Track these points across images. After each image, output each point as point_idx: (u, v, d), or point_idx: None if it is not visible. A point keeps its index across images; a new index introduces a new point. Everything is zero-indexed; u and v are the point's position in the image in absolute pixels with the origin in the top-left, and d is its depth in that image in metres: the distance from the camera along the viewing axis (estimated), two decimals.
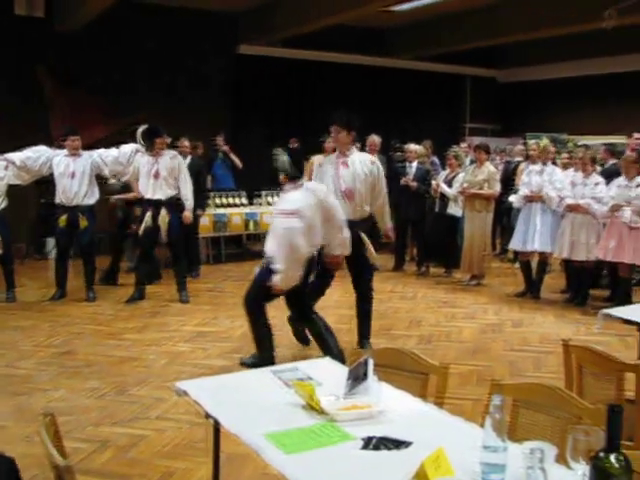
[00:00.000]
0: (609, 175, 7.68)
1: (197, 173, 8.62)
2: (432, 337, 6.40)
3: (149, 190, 7.42)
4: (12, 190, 7.42)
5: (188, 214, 7.60)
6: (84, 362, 5.54)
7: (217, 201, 10.41)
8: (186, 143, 9.05)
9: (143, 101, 11.05)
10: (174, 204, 7.48)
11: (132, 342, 6.13)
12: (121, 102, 11.06)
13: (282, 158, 5.01)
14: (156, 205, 7.41)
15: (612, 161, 8.65)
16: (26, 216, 10.22)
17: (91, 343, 6.10)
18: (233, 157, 10.65)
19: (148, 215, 7.42)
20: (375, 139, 9.47)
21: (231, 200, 10.51)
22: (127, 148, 7.49)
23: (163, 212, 7.39)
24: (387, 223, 5.86)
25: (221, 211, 10.26)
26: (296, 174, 4.96)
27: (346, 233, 5.13)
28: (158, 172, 7.38)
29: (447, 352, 5.89)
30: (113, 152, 7.53)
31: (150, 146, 7.36)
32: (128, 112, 10.81)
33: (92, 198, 7.53)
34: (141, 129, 7.42)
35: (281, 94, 12.96)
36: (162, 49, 11.49)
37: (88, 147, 7.80)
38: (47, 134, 9.82)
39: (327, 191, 5.08)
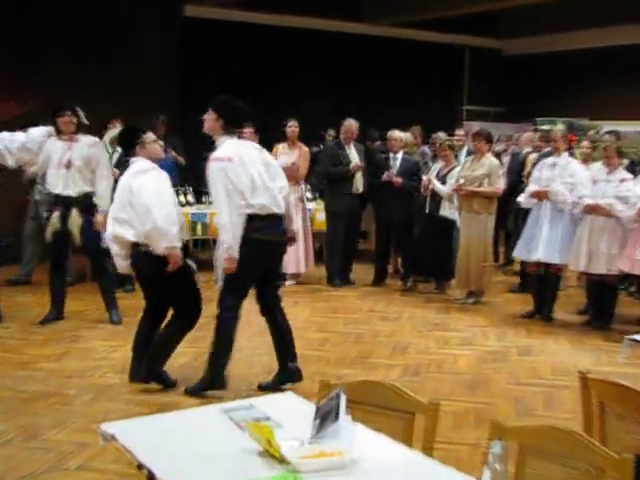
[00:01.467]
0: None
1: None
2: (420, 367, 6.42)
3: (59, 184, 7.34)
4: None
5: (101, 218, 7.26)
6: None
7: None
8: (118, 126, 9.00)
9: (64, 75, 10.92)
10: (90, 203, 7.38)
11: (48, 373, 6.06)
12: (36, 75, 10.93)
13: None
14: (66, 203, 7.34)
15: None
16: None
17: None
18: (175, 154, 10.64)
19: (56, 216, 7.34)
20: (353, 125, 9.56)
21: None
22: (37, 132, 7.39)
23: (75, 213, 7.31)
24: None
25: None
26: None
27: None
28: (70, 161, 7.29)
29: (438, 386, 5.91)
30: (20, 137, 7.39)
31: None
32: (45, 88, 10.70)
33: None
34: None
35: (237, 67, 12.95)
36: (86, 11, 11.35)
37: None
38: None
39: None
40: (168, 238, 5.36)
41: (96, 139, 7.54)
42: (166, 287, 5.57)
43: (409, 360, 6.62)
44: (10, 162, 7.45)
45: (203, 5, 12.33)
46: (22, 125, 7.70)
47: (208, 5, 12.33)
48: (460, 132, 11.03)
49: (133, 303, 8.31)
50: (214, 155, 5.43)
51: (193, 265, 5.72)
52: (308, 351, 6.69)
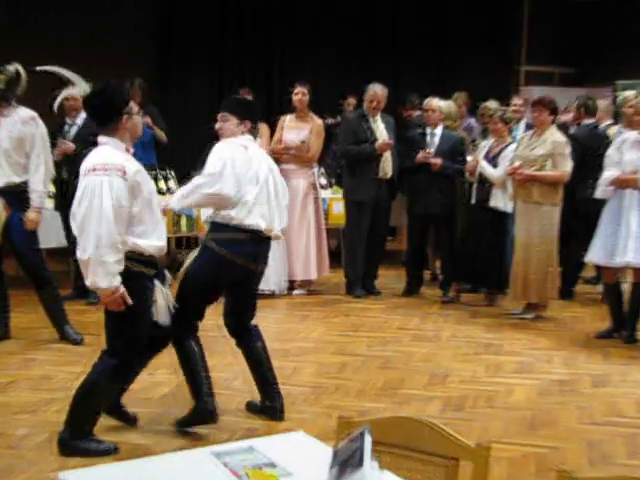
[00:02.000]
0: None
1: (94, 143, 8.55)
2: (465, 401, 6.40)
3: None
4: None
5: (33, 215, 7.33)
6: None
7: None
8: (74, 92, 8.98)
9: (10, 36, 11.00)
10: (20, 196, 7.35)
11: None
12: None
13: None
14: None
15: None
16: None
17: None
18: (155, 129, 10.69)
19: None
20: (379, 91, 9.57)
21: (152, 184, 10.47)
22: None
23: None
24: None
25: None
26: None
27: None
28: None
29: (489, 424, 5.91)
30: None
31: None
32: None
33: None
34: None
35: (233, 21, 12.98)
36: None
37: None
38: None
39: None
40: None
41: (33, 114, 7.36)
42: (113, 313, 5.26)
43: (451, 391, 6.61)
44: None
45: None
46: None
47: None
48: (517, 100, 10.95)
49: (99, 317, 8.34)
50: None
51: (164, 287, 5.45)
52: (322, 379, 6.75)
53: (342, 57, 13.32)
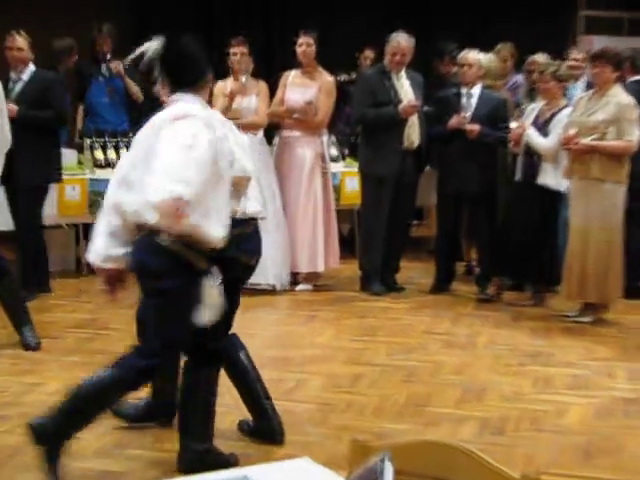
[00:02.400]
0: None
1: (44, 102, 8.78)
2: (507, 422, 6.37)
3: None
4: None
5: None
6: None
7: (96, 155, 10.51)
8: (19, 41, 9.00)
9: None
10: None
11: None
12: None
13: None
14: None
15: None
16: None
17: None
18: (128, 82, 10.73)
19: None
20: (403, 42, 9.55)
21: (124, 153, 10.46)
22: None
23: None
24: None
25: (104, 174, 10.22)
26: None
27: None
28: None
29: (536, 451, 5.88)
30: None
31: None
32: None
33: None
34: None
35: None
36: None
37: None
38: None
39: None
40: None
41: None
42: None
43: (489, 410, 6.57)
44: None
45: None
46: None
47: None
48: (576, 54, 10.89)
49: (56, 317, 8.37)
50: None
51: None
52: (331, 394, 6.74)
53: (358, 4, 13.29)
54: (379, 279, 9.71)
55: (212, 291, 5.23)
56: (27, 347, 7.63)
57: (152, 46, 5.25)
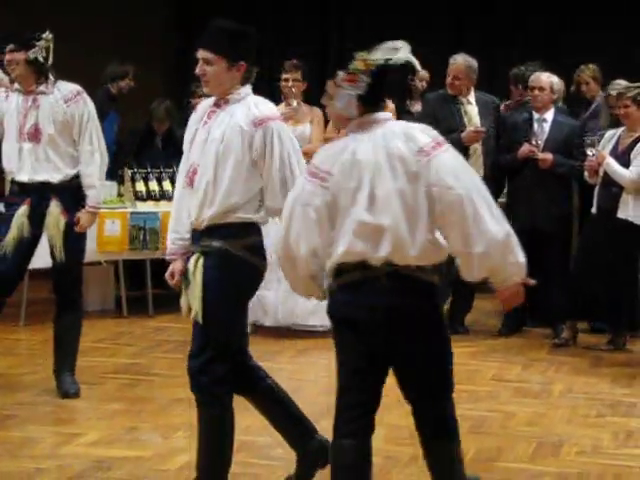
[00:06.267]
0: None
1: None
2: (587, 479, 6.26)
3: (23, 165, 7.54)
4: None
5: (84, 218, 7.56)
6: None
7: (138, 187, 10.59)
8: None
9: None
10: (77, 194, 7.54)
11: None
12: None
13: None
14: (39, 194, 7.47)
15: None
16: None
17: None
18: None
19: (22, 213, 7.48)
20: (461, 63, 9.67)
21: (167, 186, 10.58)
22: None
23: (54, 208, 7.44)
24: None
25: (146, 207, 10.32)
26: None
27: None
28: (38, 128, 7.42)
29: None
30: None
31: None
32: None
33: None
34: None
35: None
36: None
37: None
38: None
39: None
40: None
41: (77, 88, 7.60)
42: None
43: (567, 466, 6.46)
44: None
45: None
46: None
47: None
48: None
49: (100, 361, 8.33)
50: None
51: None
52: (393, 446, 6.63)
53: (422, 24, 13.31)
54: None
55: None
56: (66, 394, 7.62)
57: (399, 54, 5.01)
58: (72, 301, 7.73)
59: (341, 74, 4.84)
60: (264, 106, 5.64)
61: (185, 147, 5.84)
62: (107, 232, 9.60)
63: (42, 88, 7.43)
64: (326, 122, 9.72)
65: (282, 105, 9.34)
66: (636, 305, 8.94)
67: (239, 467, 5.68)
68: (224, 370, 5.41)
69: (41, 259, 8.35)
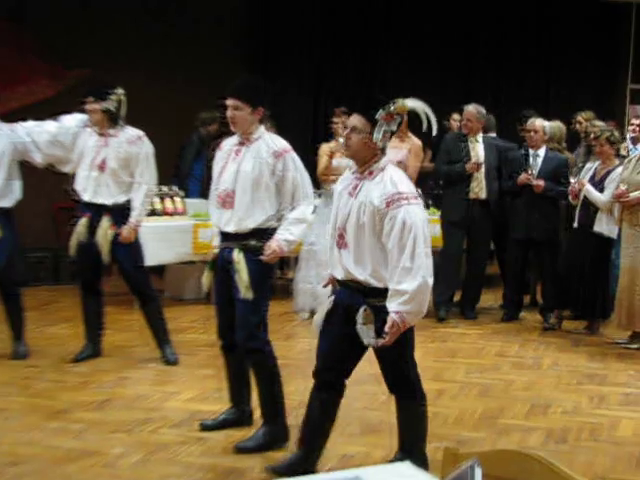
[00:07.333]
0: None
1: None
2: (568, 433, 6.28)
3: (89, 188, 7.55)
4: None
5: (126, 232, 7.51)
6: (9, 457, 5.56)
7: None
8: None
9: (111, 49, 11.16)
10: (125, 213, 7.57)
11: (87, 426, 6.14)
12: (77, 48, 11.17)
13: None
14: (97, 212, 7.51)
15: None
16: None
17: (21, 426, 6.14)
18: None
19: (82, 224, 7.56)
20: (471, 111, 9.65)
21: None
22: (71, 120, 7.59)
23: (105, 222, 7.50)
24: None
25: None
26: None
27: None
28: (105, 162, 7.46)
29: (594, 459, 5.78)
30: (50, 127, 7.59)
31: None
32: (87, 63, 10.94)
33: (9, 198, 7.59)
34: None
35: (328, 37, 13.02)
36: None
37: (25, 112, 7.92)
38: None
39: None
40: None
41: (140, 133, 7.58)
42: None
43: (553, 422, 6.50)
44: (38, 160, 7.64)
45: None
46: (54, 111, 7.83)
47: None
48: (635, 120, 10.85)
49: (194, 338, 8.43)
50: None
51: None
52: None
53: (443, 79, 13.27)
54: (445, 307, 9.70)
55: None
56: (167, 362, 7.71)
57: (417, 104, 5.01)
58: (145, 295, 7.77)
59: (381, 113, 4.79)
60: (279, 141, 5.81)
61: (215, 176, 5.93)
62: (200, 238, 9.60)
63: (112, 131, 7.43)
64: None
65: (333, 141, 9.36)
66: (606, 298, 8.93)
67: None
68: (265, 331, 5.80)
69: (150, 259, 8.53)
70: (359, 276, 4.85)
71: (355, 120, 4.87)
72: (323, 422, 5.24)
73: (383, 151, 4.87)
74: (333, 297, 5.11)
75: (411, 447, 5.15)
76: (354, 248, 4.83)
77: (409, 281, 4.65)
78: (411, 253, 4.64)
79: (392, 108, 4.83)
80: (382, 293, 4.79)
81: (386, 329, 4.69)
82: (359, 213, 4.79)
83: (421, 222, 4.72)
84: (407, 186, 4.80)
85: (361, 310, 4.82)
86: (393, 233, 4.67)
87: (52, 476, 5.30)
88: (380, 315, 4.77)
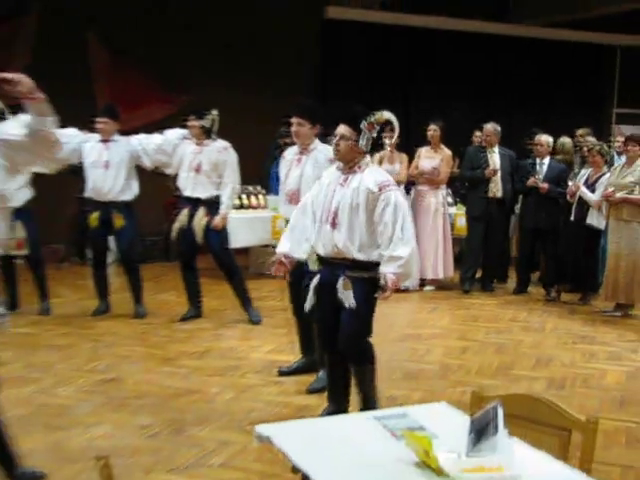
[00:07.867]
0: None
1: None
2: (565, 381, 6.27)
3: (188, 186, 7.64)
4: (49, 182, 7.45)
5: (217, 220, 7.54)
6: (133, 392, 5.69)
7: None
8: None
9: (206, 76, 11.23)
10: (215, 206, 7.62)
11: (191, 370, 6.25)
12: (180, 75, 11.26)
13: None
14: (194, 204, 7.61)
15: None
16: (64, 212, 10.60)
17: (141, 369, 6.27)
18: None
19: (184, 214, 7.65)
20: (489, 129, 9.59)
21: None
22: (173, 134, 7.72)
23: (201, 212, 7.57)
24: None
25: None
26: None
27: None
28: (200, 165, 7.55)
29: (586, 402, 5.76)
30: (156, 139, 7.73)
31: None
32: (188, 87, 11.03)
33: (129, 193, 7.76)
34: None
35: (379, 70, 12.94)
36: (228, 12, 11.56)
37: (144, 129, 8.04)
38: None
39: None
40: None
41: (226, 144, 7.62)
42: None
43: (554, 373, 6.48)
44: (147, 163, 7.81)
45: (346, 7, 12.40)
46: (167, 127, 7.96)
47: (351, 7, 12.39)
48: (621, 137, 10.68)
49: (272, 304, 8.49)
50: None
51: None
52: (448, 359, 6.72)
53: (469, 106, 13.12)
54: (469, 282, 9.63)
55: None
56: (253, 322, 7.76)
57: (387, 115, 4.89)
58: (230, 270, 7.75)
59: (364, 123, 4.68)
60: (323, 147, 5.76)
61: (282, 179, 5.94)
62: (277, 227, 9.65)
63: (206, 142, 7.53)
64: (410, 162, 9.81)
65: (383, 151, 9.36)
66: (596, 276, 8.85)
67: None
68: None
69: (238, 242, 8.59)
70: (346, 250, 4.68)
71: (343, 129, 4.72)
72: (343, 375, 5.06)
73: (365, 153, 4.76)
74: (317, 279, 4.87)
75: (367, 397, 4.97)
76: (347, 227, 4.65)
77: (402, 248, 4.58)
78: (402, 226, 4.60)
79: (372, 119, 4.75)
80: (361, 266, 4.68)
81: (388, 286, 4.56)
82: (353, 197, 4.65)
83: (405, 204, 4.73)
84: (389, 178, 4.76)
85: (340, 280, 4.69)
86: (388, 210, 4.59)
87: (165, 407, 5.39)
88: (355, 285, 4.67)
